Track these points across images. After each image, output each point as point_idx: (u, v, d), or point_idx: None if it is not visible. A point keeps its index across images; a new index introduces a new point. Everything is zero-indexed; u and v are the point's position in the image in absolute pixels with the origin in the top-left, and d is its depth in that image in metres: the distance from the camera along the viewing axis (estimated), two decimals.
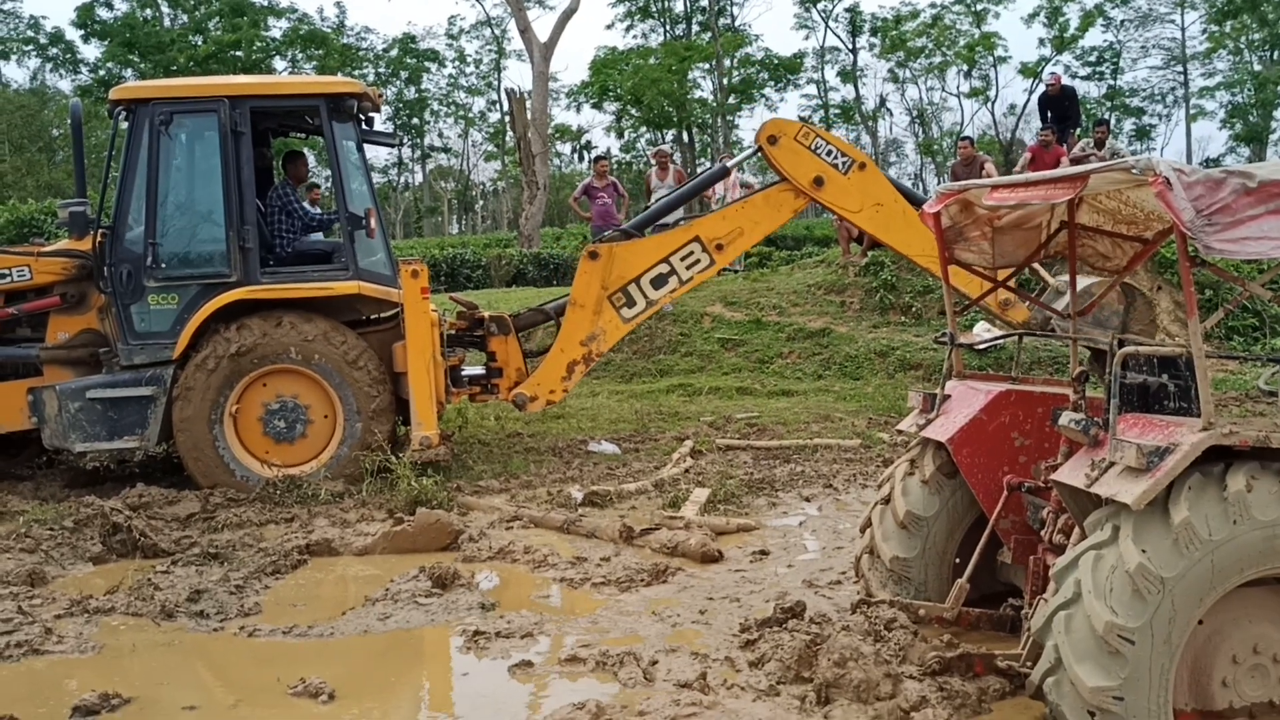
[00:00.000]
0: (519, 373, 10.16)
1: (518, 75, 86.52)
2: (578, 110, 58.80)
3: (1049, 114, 18.39)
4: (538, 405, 10.07)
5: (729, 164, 11.13)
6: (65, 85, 47.68)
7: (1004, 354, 13.07)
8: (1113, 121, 42.92)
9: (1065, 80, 22.09)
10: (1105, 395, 4.52)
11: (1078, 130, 18.92)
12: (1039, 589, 4.86)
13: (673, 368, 14.90)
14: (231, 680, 5.44)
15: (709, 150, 45.54)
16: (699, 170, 36.22)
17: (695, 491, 8.73)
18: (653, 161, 18.03)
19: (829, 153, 9.77)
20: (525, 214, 27.67)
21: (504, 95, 40.22)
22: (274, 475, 9.18)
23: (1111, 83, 51.61)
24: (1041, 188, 4.63)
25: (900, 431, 6.49)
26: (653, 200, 16.55)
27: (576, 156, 52.49)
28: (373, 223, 9.82)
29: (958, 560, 5.57)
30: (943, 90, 54.57)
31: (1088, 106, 42.67)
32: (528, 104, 28.45)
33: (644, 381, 14.52)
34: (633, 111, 45.78)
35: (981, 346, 12.27)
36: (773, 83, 49.27)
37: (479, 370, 10.34)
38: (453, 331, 10.22)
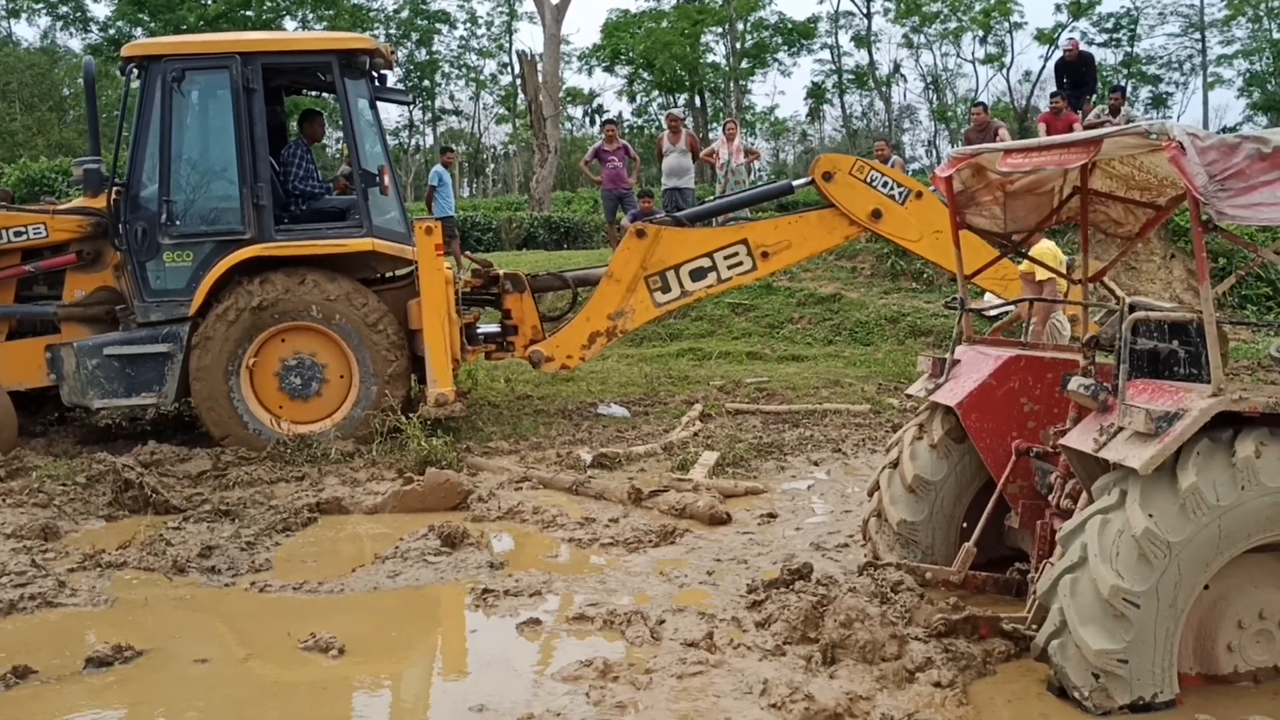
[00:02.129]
0: (534, 330, 10.18)
1: (529, 38, 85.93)
2: (589, 74, 58.55)
3: (1065, 80, 18.23)
4: (553, 366, 10.10)
5: (794, 184, 11.04)
6: (75, 44, 47.49)
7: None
8: (1129, 89, 42.52)
9: (1083, 46, 21.89)
10: (1115, 361, 4.52)
11: (1093, 97, 18.76)
12: (1045, 553, 4.88)
13: (683, 332, 14.91)
14: (242, 634, 5.50)
15: (720, 115, 45.24)
16: (710, 136, 36.05)
17: (704, 454, 8.76)
18: (665, 125, 17.95)
19: (885, 184, 9.75)
20: (536, 177, 27.58)
21: (515, 58, 40.01)
22: (285, 433, 9.23)
23: (1128, 49, 51.09)
24: (1055, 152, 4.62)
25: (909, 396, 6.51)
26: (663, 165, 16.53)
27: (588, 120, 52.22)
28: (386, 180, 9.80)
29: (965, 524, 5.60)
30: (957, 56, 54.09)
31: (1104, 74, 42.28)
32: (539, 67, 28.30)
33: (654, 345, 14.53)
34: (645, 75, 45.49)
35: (992, 313, 12.25)
36: (786, 47, 48.87)
37: (494, 328, 10.35)
38: (467, 289, 10.22)
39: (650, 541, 6.76)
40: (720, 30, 46.17)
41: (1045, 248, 8.95)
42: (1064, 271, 8.93)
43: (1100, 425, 4.36)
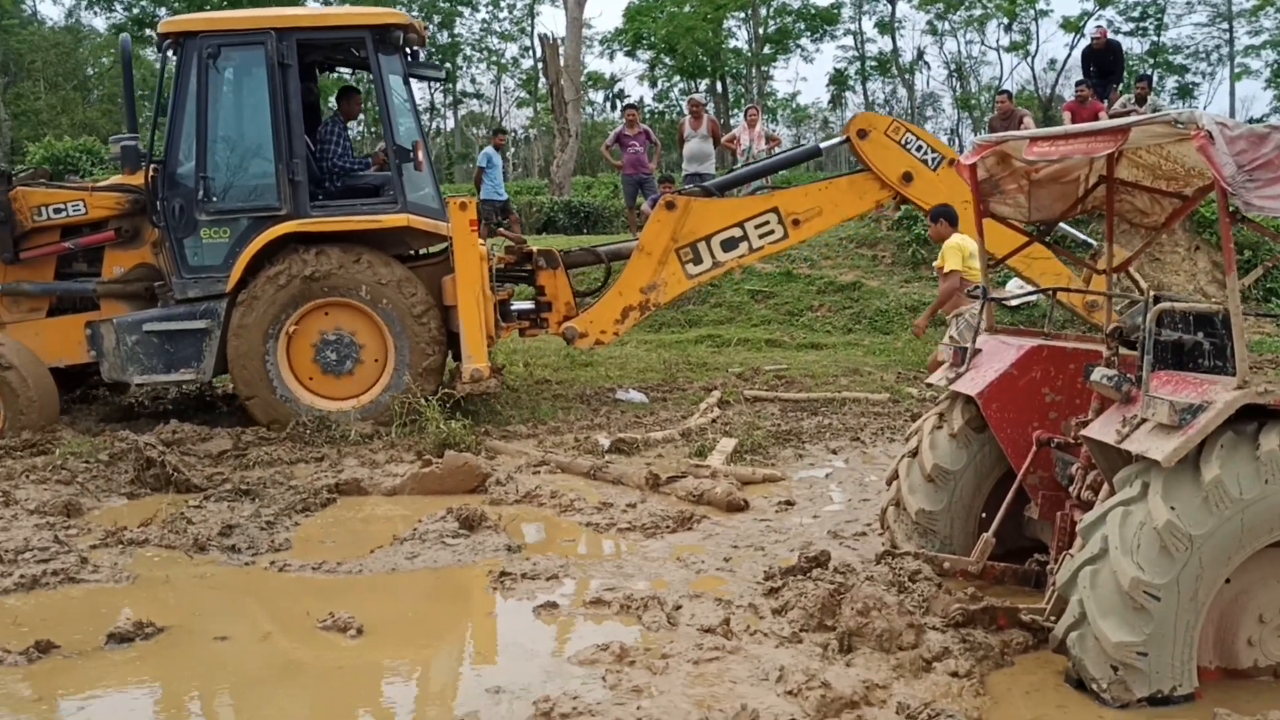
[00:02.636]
0: (568, 307, 10.19)
1: (551, 21, 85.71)
2: (611, 58, 58.35)
3: (1091, 68, 18.07)
4: (587, 342, 10.10)
5: (822, 146, 10.98)
6: (100, 23, 47.66)
7: (1036, 310, 12.97)
8: (1155, 78, 42.16)
9: (1109, 35, 21.70)
10: (1139, 352, 4.49)
11: (1119, 86, 18.60)
12: (1065, 544, 4.87)
13: (702, 318, 14.88)
14: (262, 613, 5.54)
15: (742, 101, 45.04)
16: (732, 122, 35.92)
17: (722, 441, 8.75)
18: (686, 111, 17.90)
19: (919, 148, 9.70)
20: (557, 161, 27.53)
21: (537, 41, 39.91)
22: (305, 406, 9.27)
23: (1155, 39, 50.62)
24: (1082, 140, 4.58)
25: (929, 385, 6.48)
26: (684, 150, 16.47)
27: (609, 105, 52.10)
28: (420, 156, 9.80)
29: (984, 515, 5.58)
30: (982, 44, 53.66)
31: (1130, 63, 41.93)
32: (561, 51, 28.21)
33: (673, 331, 14.52)
34: (666, 60, 45.33)
35: (1014, 303, 12.19)
36: (809, 33, 48.61)
37: (528, 305, 10.35)
38: (501, 266, 10.21)
39: (668, 527, 6.76)
40: (743, 15, 45.95)
41: (957, 242, 8.93)
42: (972, 265, 8.85)
43: (1123, 416, 4.34)
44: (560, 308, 10.19)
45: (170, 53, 9.56)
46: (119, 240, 9.68)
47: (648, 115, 42.52)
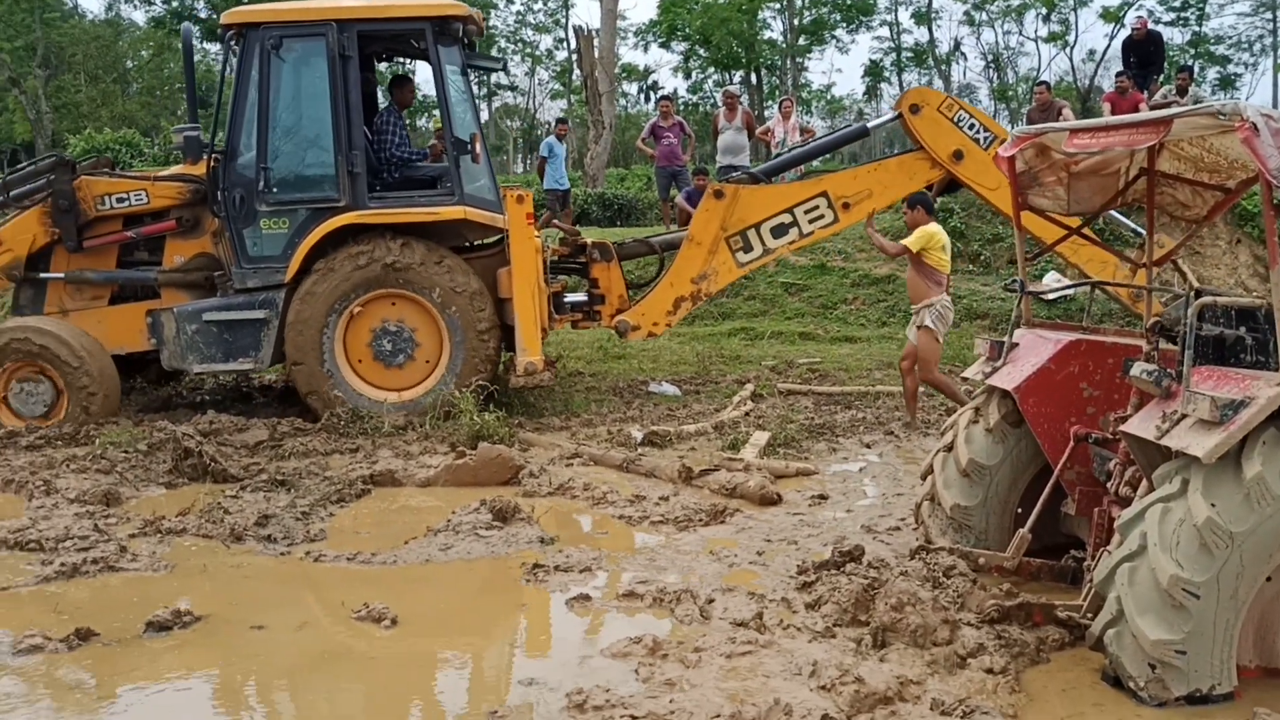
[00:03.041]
0: (621, 300, 10.18)
1: (586, 13, 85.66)
2: (645, 49, 58.21)
3: (1132, 59, 17.86)
4: (639, 335, 10.11)
5: (869, 125, 10.91)
6: (139, 16, 48.13)
7: (1074, 305, 12.84)
8: (1196, 69, 41.60)
9: (1150, 25, 21.43)
10: (1179, 347, 4.43)
11: (1160, 77, 18.36)
12: (1103, 541, 4.82)
13: (735, 311, 14.85)
14: (297, 603, 5.58)
15: (777, 92, 44.86)
16: (766, 114, 35.76)
17: (755, 434, 8.73)
18: (721, 103, 17.84)
19: (971, 126, 9.61)
20: (590, 153, 27.53)
21: (571, 33, 39.93)
22: (346, 385, 9.34)
23: (1196, 29, 49.93)
24: (1124, 132, 4.52)
25: (965, 379, 6.43)
26: (718, 142, 16.41)
27: (643, 97, 52.04)
28: (478, 148, 9.83)
29: (1019, 510, 5.54)
30: (1020, 34, 53.13)
31: (1171, 54, 41.40)
32: (595, 42, 28.20)
33: (706, 324, 14.49)
34: (701, 52, 45.19)
35: (1051, 296, 12.08)
36: (845, 24, 48.30)
37: (581, 297, 10.36)
38: (555, 258, 10.23)
39: (700, 520, 6.76)
40: (778, 6, 45.74)
41: (930, 229, 8.90)
42: (942, 256, 8.95)
43: (1163, 412, 4.29)
44: (613, 300, 10.18)
45: (232, 44, 9.62)
46: (180, 229, 9.78)
47: (682, 107, 42.40)
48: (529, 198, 9.48)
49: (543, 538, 6.40)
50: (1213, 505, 3.97)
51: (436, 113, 10.69)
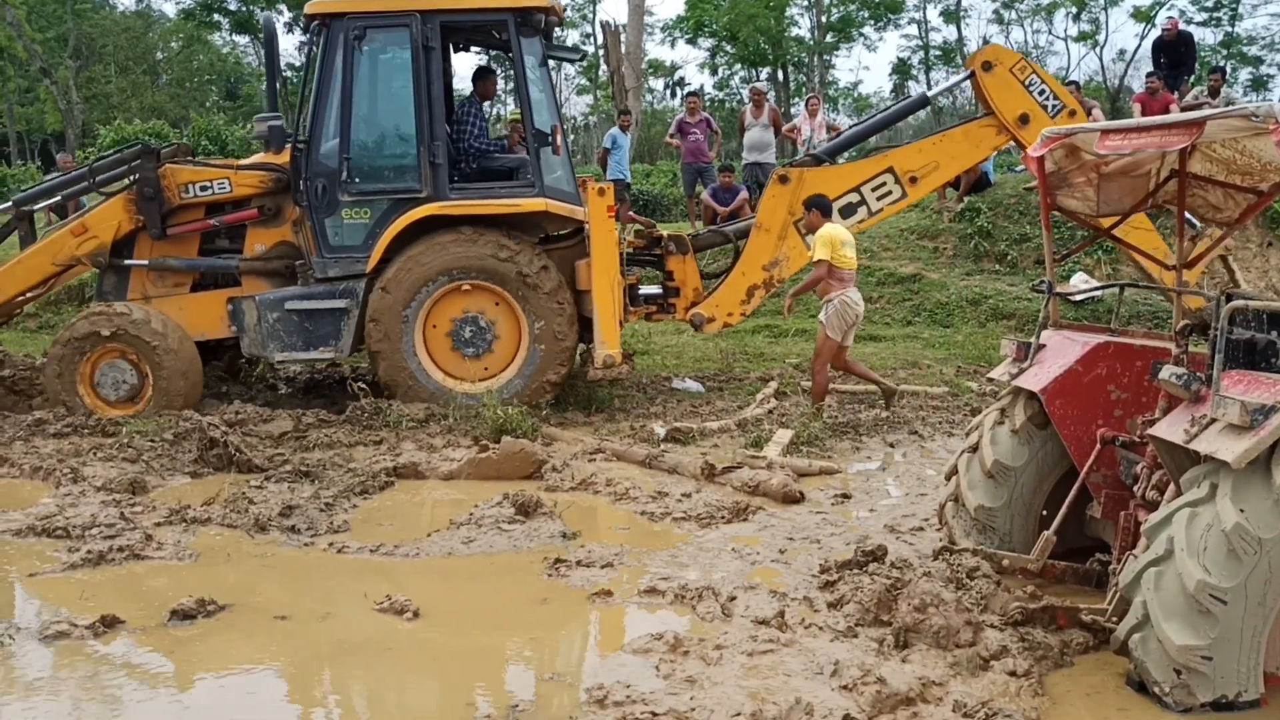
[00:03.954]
0: (696, 292, 10.17)
1: (613, 8, 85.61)
2: (672, 45, 58.20)
3: (1162, 60, 17.70)
4: (715, 327, 10.10)
5: (929, 94, 10.85)
6: (169, 8, 48.49)
7: (1102, 306, 12.75)
8: (1228, 70, 41.20)
9: (1182, 25, 21.23)
10: (1209, 350, 4.39)
11: (1191, 78, 18.19)
12: (1129, 545, 4.78)
13: (759, 308, 14.75)
14: (321, 593, 5.60)
15: (803, 90, 44.68)
16: (793, 111, 35.65)
17: (778, 432, 8.71)
18: (747, 99, 17.79)
19: (1041, 92, 9.52)
20: None
21: (599, 28, 39.89)
22: (417, 363, 9.38)
23: (1229, 29, 49.45)
24: (1155, 134, 4.49)
25: (991, 380, 6.40)
26: (745, 139, 16.37)
27: (669, 93, 51.96)
28: (559, 139, 9.84)
29: (1044, 512, 5.50)
30: (1049, 33, 52.74)
31: (1202, 54, 41.01)
32: (622, 38, 28.15)
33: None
34: (728, 48, 45.05)
35: (1079, 297, 12.00)
36: (873, 22, 48.07)
37: (656, 289, 10.34)
38: (630, 250, 10.21)
39: (723, 517, 6.75)
40: (806, 3, 45.57)
41: (829, 232, 8.91)
42: (844, 254, 9.00)
43: (1192, 416, 4.25)
44: (688, 293, 10.16)
45: (316, 34, 9.63)
46: (261, 218, 9.82)
47: (708, 104, 42.32)
48: (610, 190, 9.49)
49: (565, 532, 6.41)
50: (1241, 511, 3.94)
51: (513, 103, 10.83)
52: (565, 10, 10.36)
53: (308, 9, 9.72)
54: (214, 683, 4.58)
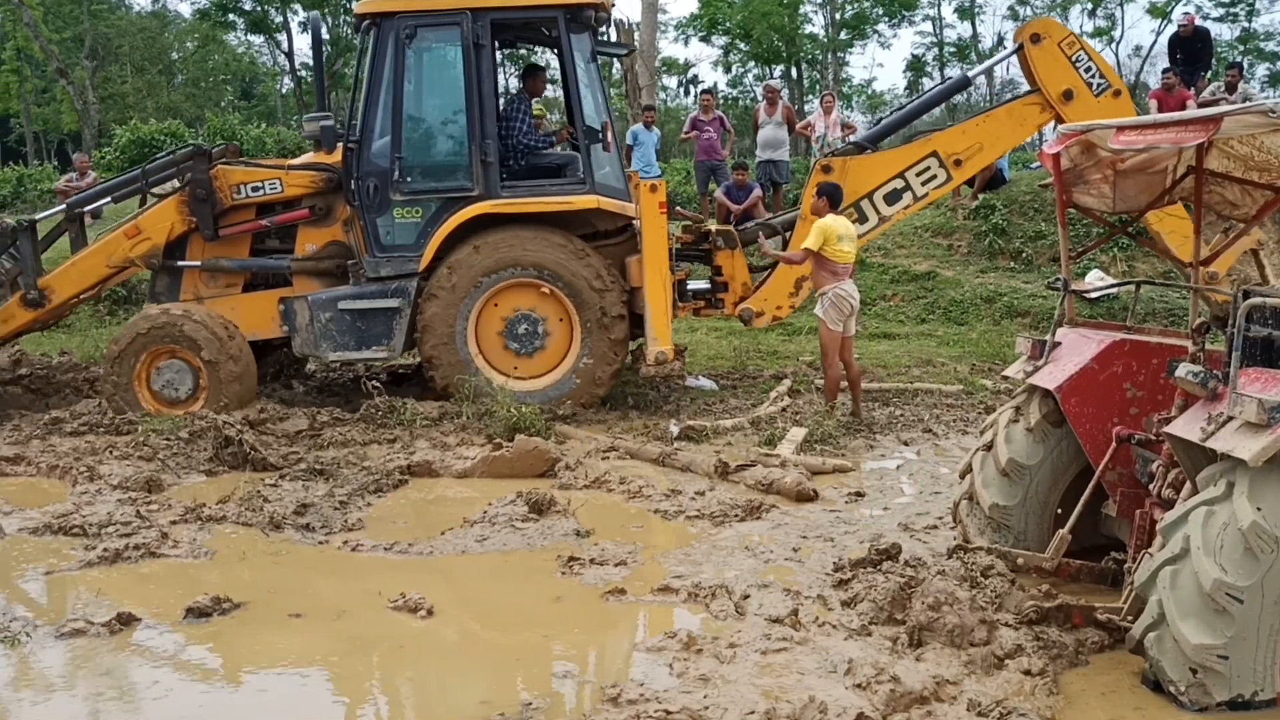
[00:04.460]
0: (745, 287, 10.15)
1: (626, 6, 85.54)
2: (686, 43, 58.15)
3: (1179, 55, 17.59)
4: (763, 321, 10.11)
5: (970, 74, 10.81)
6: (184, 8, 48.65)
7: (1117, 304, 12.69)
8: (1245, 65, 40.95)
9: (1198, 21, 21.11)
10: (1226, 348, 4.36)
11: (1208, 74, 18.07)
12: (1144, 543, 4.76)
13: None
14: (335, 591, 5.62)
15: (817, 87, 44.58)
16: (807, 108, 35.59)
17: (792, 430, 8.69)
18: (761, 97, 17.76)
19: (1088, 69, 9.47)
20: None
21: (613, 26, 39.83)
22: (468, 354, 9.39)
23: (1246, 25, 49.15)
24: (1172, 130, 4.46)
25: (1006, 378, 6.37)
26: (758, 137, 16.34)
27: (682, 90, 51.90)
28: (609, 136, 9.83)
29: (1059, 511, 5.47)
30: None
31: (1219, 50, 40.77)
32: (636, 35, 28.15)
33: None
34: (741, 46, 44.97)
35: (1094, 295, 11.94)
36: (887, 19, 47.94)
37: (704, 285, 10.33)
38: (678, 245, 10.19)
39: (736, 516, 6.74)
40: (820, 0, 45.47)
41: (827, 222, 8.89)
42: (840, 248, 8.94)
43: (1208, 414, 4.22)
44: (737, 288, 10.14)
45: (367, 34, 9.63)
46: (312, 218, 9.84)
47: (722, 101, 42.27)
48: (662, 187, 9.49)
49: (578, 530, 6.42)
50: (1258, 509, 3.91)
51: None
52: (613, 4, 10.25)
53: (358, 8, 9.72)
54: (229, 680, 4.60)
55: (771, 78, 40.94)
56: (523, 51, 11.89)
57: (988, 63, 10.54)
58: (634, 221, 9.67)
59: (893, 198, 9.76)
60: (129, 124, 26.46)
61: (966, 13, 49.77)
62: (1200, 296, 6.21)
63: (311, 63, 11.30)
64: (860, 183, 9.74)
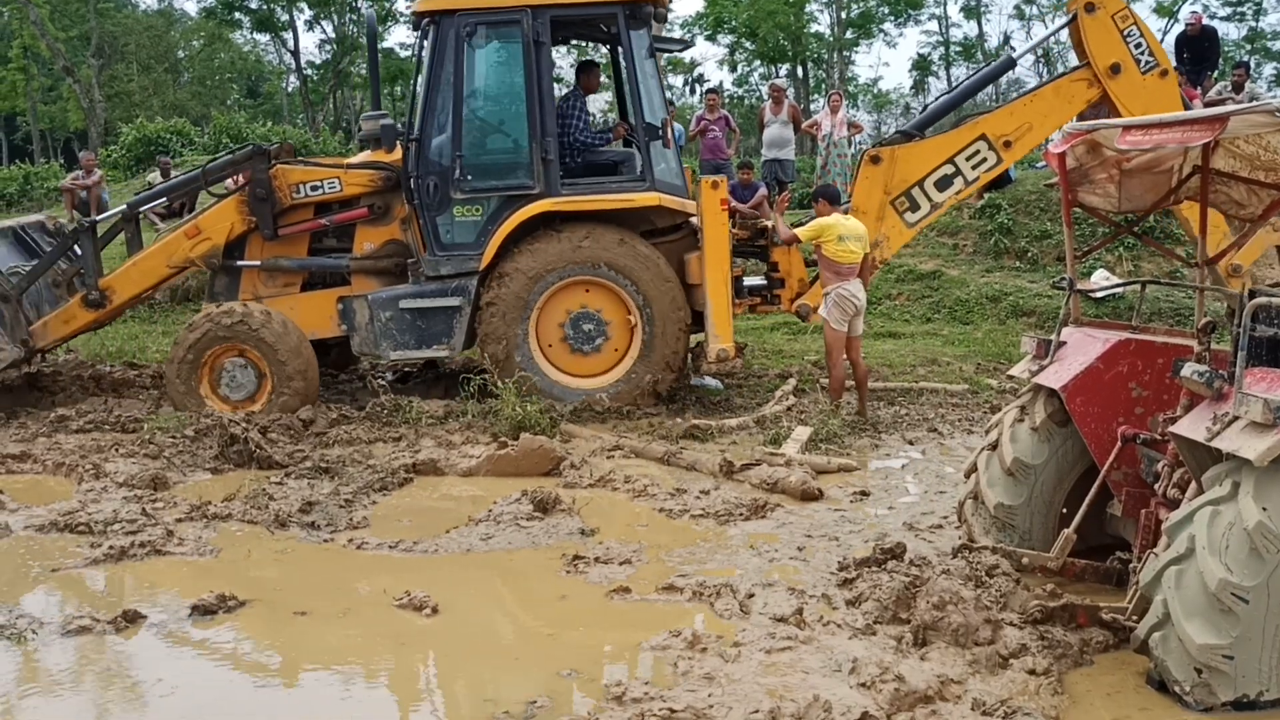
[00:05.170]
0: (801, 283, 10.10)
1: None
2: (691, 41, 58.08)
3: (1185, 55, 17.55)
4: (819, 317, 10.09)
5: (1015, 54, 10.79)
6: (191, 6, 48.72)
7: (1123, 303, 12.67)
8: (1252, 65, 40.86)
9: (1205, 20, 21.06)
10: (1232, 348, 4.36)
11: (1214, 73, 18.03)
12: (1149, 543, 4.75)
13: None
14: (340, 589, 5.62)
15: (823, 86, 44.55)
16: (812, 107, 35.54)
17: (797, 429, 8.69)
18: (767, 96, 17.74)
19: (1138, 45, 9.40)
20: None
21: None
22: (528, 351, 9.38)
23: (1253, 24, 49.05)
24: (1178, 129, 4.45)
25: (1011, 377, 6.36)
26: (764, 135, 16.32)
27: (688, 89, 51.88)
28: (669, 133, 9.82)
29: (1064, 510, 5.47)
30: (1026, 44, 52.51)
31: (1226, 49, 40.68)
32: None
33: (749, 318, 14.39)
34: (747, 45, 44.96)
35: (1100, 294, 11.92)
36: (893, 17, 47.89)
37: (760, 281, 10.29)
38: (735, 241, 10.13)
39: (741, 515, 6.74)
40: None
41: (830, 220, 8.92)
42: (848, 246, 8.98)
43: (1214, 414, 4.22)
44: (793, 284, 10.09)
45: (427, 32, 9.61)
46: (371, 217, 9.82)
47: (727, 100, 42.25)
48: (724, 184, 9.47)
49: (583, 529, 6.42)
50: (1264, 509, 3.91)
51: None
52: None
53: (417, 6, 9.70)
54: (234, 678, 4.60)
55: (777, 76, 40.92)
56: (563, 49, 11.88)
57: (1035, 41, 10.52)
58: (691, 218, 9.64)
59: (944, 183, 9.70)
60: (135, 122, 26.51)
61: (972, 12, 49.68)
62: (1217, 288, 6.19)
63: (366, 61, 11.23)
64: (910, 170, 9.68)
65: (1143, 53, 9.38)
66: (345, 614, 5.23)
